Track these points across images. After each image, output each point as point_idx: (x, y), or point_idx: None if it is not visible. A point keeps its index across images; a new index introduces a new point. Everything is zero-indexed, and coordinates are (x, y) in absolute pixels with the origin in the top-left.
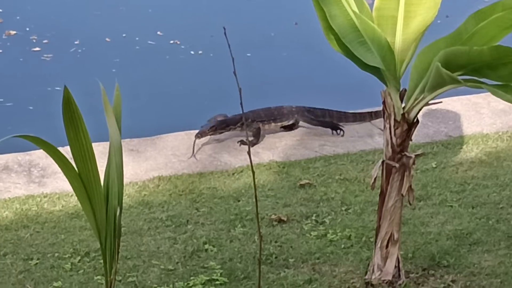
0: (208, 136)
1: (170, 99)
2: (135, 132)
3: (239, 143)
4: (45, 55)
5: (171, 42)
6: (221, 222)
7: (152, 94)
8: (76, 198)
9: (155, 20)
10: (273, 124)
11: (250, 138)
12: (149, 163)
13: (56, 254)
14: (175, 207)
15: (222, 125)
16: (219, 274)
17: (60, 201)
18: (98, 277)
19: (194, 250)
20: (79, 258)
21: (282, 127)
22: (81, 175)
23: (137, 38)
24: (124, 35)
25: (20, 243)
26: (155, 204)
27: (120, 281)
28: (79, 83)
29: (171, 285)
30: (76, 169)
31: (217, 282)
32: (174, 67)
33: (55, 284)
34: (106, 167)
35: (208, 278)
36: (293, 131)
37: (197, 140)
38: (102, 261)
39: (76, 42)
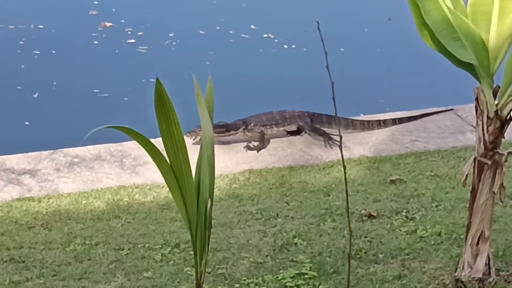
0: (200, 137)
1: (263, 92)
2: None
3: (245, 148)
4: (140, 47)
5: (265, 36)
6: (311, 216)
7: (245, 87)
8: (167, 189)
9: (249, 13)
10: (275, 128)
11: (256, 143)
12: (240, 156)
13: (147, 245)
14: (265, 200)
15: (220, 129)
16: (308, 268)
17: (151, 192)
18: (188, 268)
19: (283, 243)
20: (169, 249)
21: (287, 132)
22: (173, 167)
23: (231, 31)
24: (218, 28)
25: (111, 233)
26: (245, 197)
27: (209, 272)
28: (173, 75)
29: (260, 278)
30: (168, 161)
31: (306, 276)
32: (267, 60)
33: (145, 274)
34: (198, 159)
35: (297, 271)
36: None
37: (189, 139)
38: (192, 252)
39: (170, 35)
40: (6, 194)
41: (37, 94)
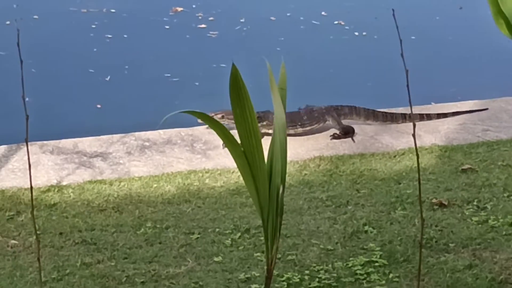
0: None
1: (333, 79)
2: None
3: (331, 137)
4: (210, 32)
5: (335, 22)
6: (381, 204)
7: (315, 74)
8: (237, 174)
9: (320, 0)
10: (300, 129)
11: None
12: (311, 142)
13: (217, 230)
14: (335, 187)
15: (232, 116)
16: (378, 256)
17: (222, 177)
18: (258, 254)
19: (353, 231)
20: (239, 234)
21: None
22: (246, 152)
23: (301, 18)
24: (288, 14)
25: (182, 217)
26: (316, 184)
27: (279, 259)
28: (243, 60)
29: (330, 265)
30: (241, 146)
31: (376, 264)
32: (338, 47)
33: (215, 259)
34: (270, 145)
35: (367, 259)
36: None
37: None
38: (262, 238)
39: (241, 20)
40: (78, 177)
41: (109, 77)
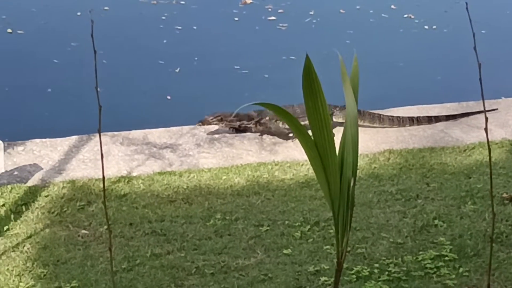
0: (210, 126)
1: (403, 72)
2: (369, 105)
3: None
4: (280, 25)
5: (405, 16)
6: (451, 198)
7: (385, 67)
8: (306, 167)
9: None
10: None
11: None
12: (380, 136)
13: (286, 222)
14: (405, 181)
15: (231, 117)
16: (448, 250)
17: (291, 169)
18: (327, 246)
19: (423, 224)
20: (308, 227)
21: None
22: (317, 145)
23: (371, 11)
24: (358, 7)
25: (251, 209)
26: (385, 177)
27: (349, 252)
28: (312, 53)
29: (399, 259)
30: (312, 138)
31: (446, 258)
32: (408, 41)
33: (285, 251)
34: (342, 138)
35: (437, 253)
36: None
37: (201, 127)
38: (331, 231)
39: (310, 13)
40: (148, 168)
41: (178, 69)
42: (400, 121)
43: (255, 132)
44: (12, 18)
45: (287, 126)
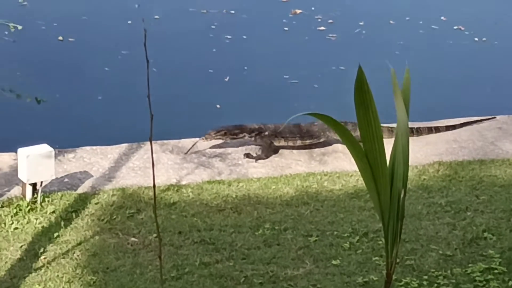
0: (214, 141)
1: (452, 84)
2: (419, 116)
3: (244, 156)
4: (329, 35)
5: (455, 27)
6: (501, 210)
7: (434, 78)
8: (355, 178)
9: (439, 4)
10: (299, 141)
11: (259, 153)
12: (429, 147)
13: (335, 233)
14: (455, 193)
15: (235, 130)
16: (497, 263)
17: (340, 180)
18: (376, 258)
19: (473, 237)
20: (357, 238)
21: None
22: (368, 155)
23: (420, 22)
24: (407, 18)
25: (300, 219)
26: (435, 189)
27: (398, 263)
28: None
29: (448, 271)
30: (363, 149)
31: (496, 271)
32: (458, 52)
33: (333, 262)
34: (392, 149)
35: (486, 266)
36: None
37: (204, 142)
38: (380, 242)
39: (360, 23)
40: (197, 176)
41: (228, 78)
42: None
43: (256, 145)
44: (63, 26)
45: (280, 144)
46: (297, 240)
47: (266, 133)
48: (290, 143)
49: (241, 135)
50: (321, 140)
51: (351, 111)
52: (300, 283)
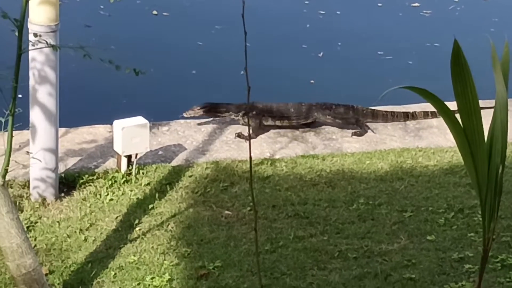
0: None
1: None
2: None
3: (236, 135)
4: (424, 11)
5: None
6: None
7: None
8: (451, 154)
9: None
10: (286, 121)
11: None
12: None
13: (430, 208)
14: None
15: (218, 108)
16: None
17: (435, 156)
18: (472, 234)
19: None
20: (452, 213)
21: (302, 124)
22: (466, 131)
23: None
24: None
25: (394, 194)
26: None
27: (494, 240)
28: (457, 40)
29: None
30: (461, 124)
31: None
32: None
33: (428, 237)
34: (491, 124)
35: None
36: None
37: (184, 114)
38: (475, 218)
39: (455, 0)
40: (291, 151)
41: (322, 53)
42: (395, 116)
43: (242, 124)
44: (157, 0)
45: (268, 123)
46: (392, 215)
47: (254, 112)
48: (278, 123)
49: (226, 114)
50: (309, 120)
51: (446, 88)
52: (394, 258)
